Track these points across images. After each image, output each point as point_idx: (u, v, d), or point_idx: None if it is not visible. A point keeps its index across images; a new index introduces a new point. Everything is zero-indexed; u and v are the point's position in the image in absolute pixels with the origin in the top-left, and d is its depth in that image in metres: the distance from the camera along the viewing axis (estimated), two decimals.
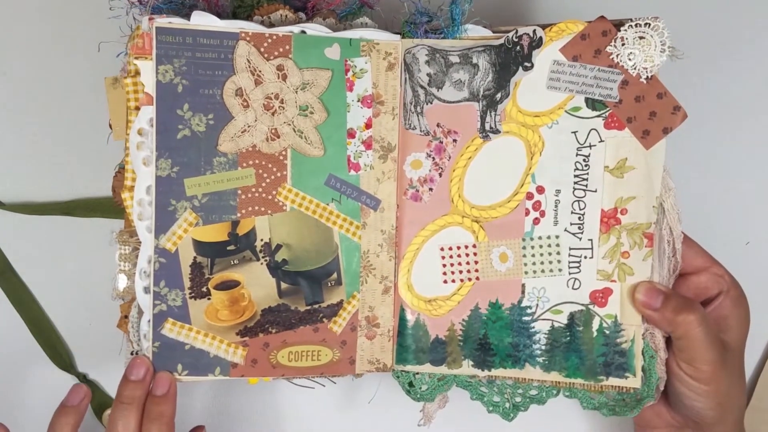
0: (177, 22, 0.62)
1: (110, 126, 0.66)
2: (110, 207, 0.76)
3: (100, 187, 0.77)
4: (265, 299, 0.65)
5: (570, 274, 0.66)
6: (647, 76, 0.63)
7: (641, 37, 0.62)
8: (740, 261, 0.68)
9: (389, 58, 0.66)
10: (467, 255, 0.67)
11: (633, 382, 0.66)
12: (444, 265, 0.68)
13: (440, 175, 0.67)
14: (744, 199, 0.77)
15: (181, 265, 0.63)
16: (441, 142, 0.67)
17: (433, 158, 0.67)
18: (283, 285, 0.65)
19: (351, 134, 0.66)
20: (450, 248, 0.67)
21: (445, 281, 0.68)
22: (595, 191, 0.65)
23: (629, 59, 0.62)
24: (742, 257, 0.74)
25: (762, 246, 0.78)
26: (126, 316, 0.65)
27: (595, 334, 0.66)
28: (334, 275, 0.67)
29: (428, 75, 0.66)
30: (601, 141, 0.65)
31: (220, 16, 0.63)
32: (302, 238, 0.65)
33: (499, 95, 0.66)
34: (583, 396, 0.67)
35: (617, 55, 0.63)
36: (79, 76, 0.77)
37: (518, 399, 0.68)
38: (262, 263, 0.65)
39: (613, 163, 0.65)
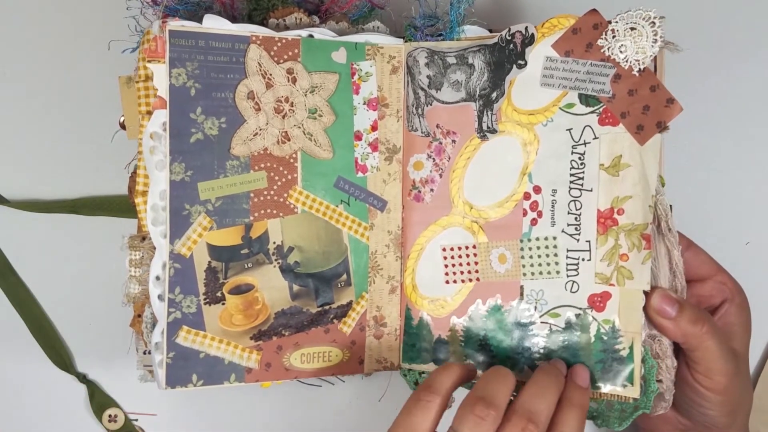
0: (189, 25, 0.61)
1: (120, 125, 0.65)
2: (116, 206, 0.75)
3: (106, 185, 0.76)
4: (278, 302, 0.65)
5: (568, 276, 0.64)
6: (639, 69, 0.60)
7: (632, 28, 0.59)
8: (740, 261, 0.68)
9: (393, 62, 0.67)
10: (467, 256, 0.67)
11: (631, 391, 0.62)
12: (446, 266, 0.68)
13: (440, 175, 0.67)
14: (744, 199, 0.77)
15: (196, 270, 0.62)
16: (440, 143, 0.67)
17: (434, 159, 0.68)
18: (295, 287, 0.66)
19: (358, 136, 0.67)
20: (451, 249, 0.67)
21: (447, 281, 0.68)
22: (591, 190, 0.63)
23: (621, 52, 0.60)
24: (742, 257, 0.74)
25: (762, 246, 0.78)
26: (139, 315, 0.64)
27: (592, 339, 0.63)
28: (344, 276, 0.67)
29: (428, 77, 0.67)
30: (596, 138, 0.63)
31: (236, 18, 0.63)
32: (313, 240, 0.66)
33: (494, 94, 0.65)
34: None
35: (608, 48, 0.61)
36: (86, 74, 0.76)
37: None
38: (274, 266, 0.65)
39: (608, 161, 0.62)
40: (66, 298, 0.77)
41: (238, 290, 0.64)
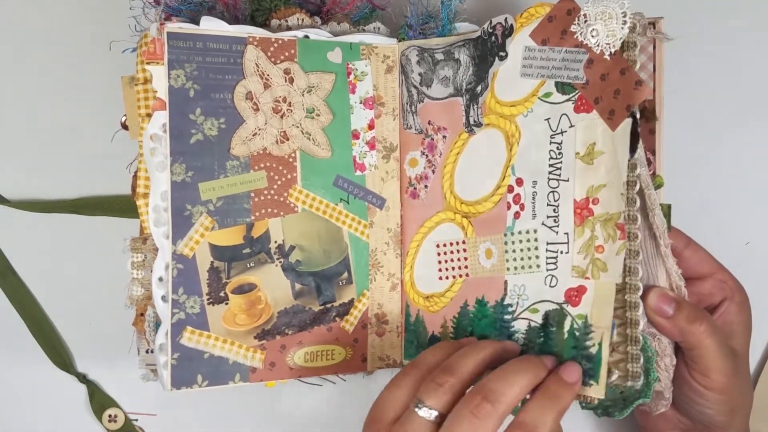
0: (187, 27, 0.61)
1: (122, 125, 0.65)
2: (117, 206, 0.75)
3: (106, 185, 0.76)
4: (281, 301, 0.66)
5: (547, 270, 0.61)
6: (611, 52, 0.57)
7: (603, 11, 0.57)
8: (740, 261, 0.67)
9: (387, 61, 0.68)
10: (458, 251, 0.67)
11: (596, 391, 0.58)
12: (439, 262, 0.68)
13: (433, 172, 0.68)
14: (744, 199, 0.76)
15: (198, 270, 0.63)
16: (432, 140, 0.68)
17: (427, 156, 0.68)
18: (297, 286, 0.66)
19: (355, 135, 0.67)
20: (444, 245, 0.67)
21: (440, 278, 0.68)
22: (568, 180, 0.60)
23: (592, 36, 0.58)
24: (742, 257, 0.73)
25: (762, 246, 0.77)
26: (142, 314, 0.64)
27: (566, 335, 0.60)
28: (345, 274, 0.68)
29: (419, 74, 0.68)
30: (572, 126, 0.60)
31: (238, 19, 0.63)
32: (314, 239, 0.66)
33: (479, 88, 0.65)
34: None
35: (581, 34, 0.58)
36: (86, 74, 0.76)
37: (527, 395, 0.63)
38: (276, 265, 0.65)
39: (583, 149, 0.59)
40: (66, 298, 0.77)
41: (240, 290, 0.64)
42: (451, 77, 0.66)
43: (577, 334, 0.59)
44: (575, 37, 0.59)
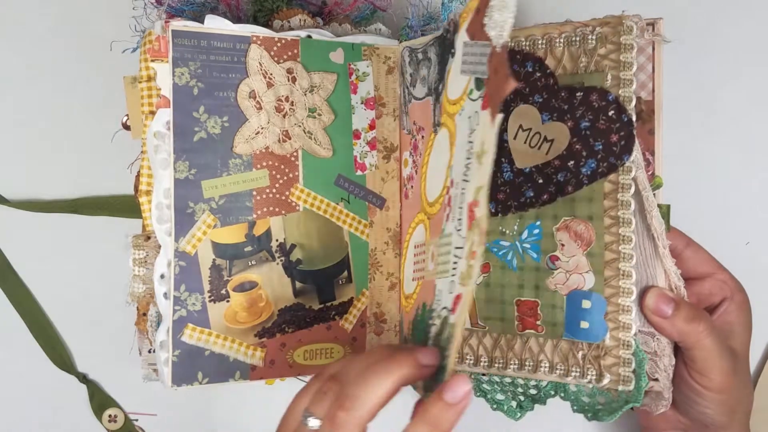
0: (191, 25, 0.62)
1: (123, 125, 0.65)
2: (117, 205, 0.75)
3: (107, 185, 0.76)
4: (282, 299, 0.66)
5: (451, 276, 0.56)
6: (500, 44, 0.52)
7: (501, 2, 0.52)
8: (740, 261, 0.67)
9: (388, 62, 0.69)
10: (422, 254, 0.65)
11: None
12: (415, 263, 0.66)
13: (416, 172, 0.67)
14: (744, 199, 0.76)
15: (200, 267, 0.63)
16: (416, 140, 0.68)
17: (412, 156, 0.68)
18: (298, 284, 0.66)
19: (356, 135, 0.68)
20: (417, 246, 0.66)
21: (413, 279, 0.66)
22: (469, 182, 0.55)
23: (492, 28, 0.53)
24: (742, 257, 0.72)
25: (762, 246, 0.77)
26: (144, 314, 0.64)
27: (442, 344, 0.54)
28: (345, 273, 0.68)
29: (410, 75, 0.68)
30: (478, 124, 0.55)
31: (240, 19, 0.64)
32: (314, 238, 0.67)
33: (440, 86, 0.63)
34: (574, 398, 0.63)
35: (488, 26, 0.53)
36: (86, 74, 0.76)
37: (521, 398, 0.65)
38: (278, 263, 0.66)
39: (479, 148, 0.54)
40: (66, 298, 0.77)
41: (242, 288, 0.65)
42: (427, 76, 0.66)
43: (444, 344, 0.53)
44: (485, 30, 0.54)
